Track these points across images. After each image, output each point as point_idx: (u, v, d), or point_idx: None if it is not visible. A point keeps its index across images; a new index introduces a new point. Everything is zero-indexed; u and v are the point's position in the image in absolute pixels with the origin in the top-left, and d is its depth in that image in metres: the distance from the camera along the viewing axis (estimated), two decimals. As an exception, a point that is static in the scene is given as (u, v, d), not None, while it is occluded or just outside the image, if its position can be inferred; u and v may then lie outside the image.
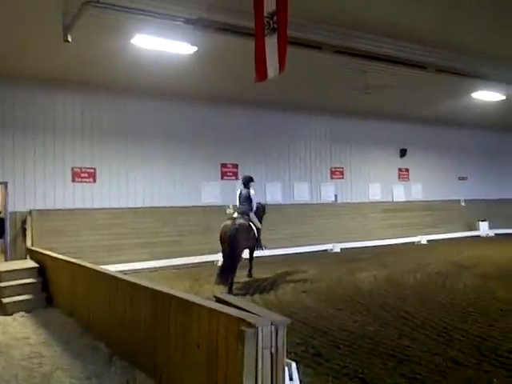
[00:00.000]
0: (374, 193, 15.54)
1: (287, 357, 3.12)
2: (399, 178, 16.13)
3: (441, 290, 7.73)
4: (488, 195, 17.88)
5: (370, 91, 10.90)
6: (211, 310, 3.34)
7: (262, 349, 2.85)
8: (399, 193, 16.02)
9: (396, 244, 14.61)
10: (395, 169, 16.09)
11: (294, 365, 3.29)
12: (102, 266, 6.63)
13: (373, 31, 8.11)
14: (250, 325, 2.86)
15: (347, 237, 14.10)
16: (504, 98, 11.98)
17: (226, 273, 7.94)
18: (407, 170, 16.26)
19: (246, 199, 8.82)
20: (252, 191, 8.93)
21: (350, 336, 5.27)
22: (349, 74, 10.30)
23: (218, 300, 4.18)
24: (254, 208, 8.94)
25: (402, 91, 11.99)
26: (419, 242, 15.11)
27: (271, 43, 5.62)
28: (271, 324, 2.90)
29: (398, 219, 15.55)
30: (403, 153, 16.00)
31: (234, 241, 7.99)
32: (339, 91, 12.02)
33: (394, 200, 15.93)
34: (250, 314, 3.10)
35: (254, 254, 9.49)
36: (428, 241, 15.25)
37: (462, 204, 17.41)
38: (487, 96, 12.04)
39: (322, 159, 14.61)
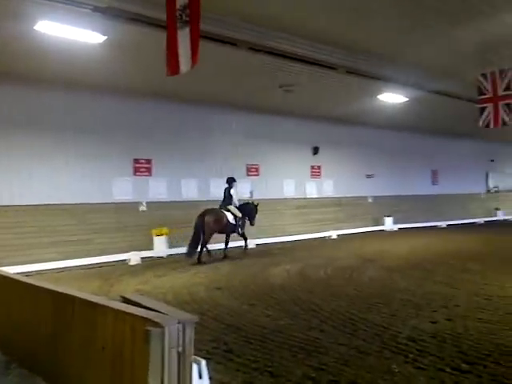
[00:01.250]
0: (288, 189, 15.92)
1: (197, 355, 3.07)
2: (312, 175, 16.66)
3: (348, 283, 8.09)
4: (393, 192, 19.03)
5: (285, 89, 11.15)
6: (117, 311, 3.21)
7: (169, 348, 2.77)
8: (312, 189, 16.55)
9: (309, 239, 15.11)
10: (308, 166, 16.60)
11: (203, 362, 3.24)
12: (2, 268, 6.16)
13: (288, 31, 8.28)
14: (156, 324, 2.77)
15: (262, 233, 14.33)
16: (407, 99, 12.77)
17: (190, 248, 10.55)
18: (319, 168, 16.83)
19: (228, 195, 11.31)
20: (232, 189, 11.32)
21: (262, 331, 5.34)
22: (264, 72, 10.44)
23: (125, 300, 4.03)
24: (236, 202, 11.32)
25: (314, 91, 12.38)
26: (330, 236, 15.74)
27: (183, 36, 5.52)
28: (178, 323, 2.83)
29: (310, 215, 16.10)
30: (316, 150, 16.54)
31: (201, 223, 10.54)
32: (255, 88, 12.15)
33: (307, 196, 16.43)
34: (157, 314, 3.01)
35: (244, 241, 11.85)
36: (338, 235, 15.94)
37: (369, 200, 18.38)
38: (391, 98, 12.77)
39: (238, 156, 14.67)
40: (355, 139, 17.83)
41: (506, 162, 25.49)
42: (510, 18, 7.68)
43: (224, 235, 11.48)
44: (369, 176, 18.38)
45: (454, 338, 4.84)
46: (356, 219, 17.43)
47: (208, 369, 3.26)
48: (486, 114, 10.52)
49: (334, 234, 15.87)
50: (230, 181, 11.52)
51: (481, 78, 10.48)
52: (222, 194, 11.54)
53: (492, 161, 24.35)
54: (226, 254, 11.40)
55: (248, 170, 14.97)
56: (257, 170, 15.13)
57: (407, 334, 5.04)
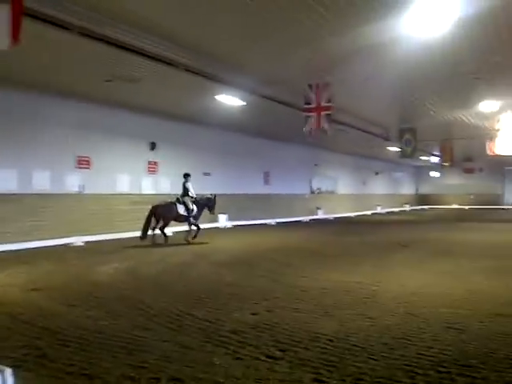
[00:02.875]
0: (123, 184, 15.34)
1: (3, 363, 2.75)
2: (148, 170, 16.33)
3: (178, 279, 8.10)
4: (228, 190, 19.69)
5: (123, 81, 10.71)
6: None
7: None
8: (148, 185, 16.21)
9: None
10: (145, 161, 16.22)
11: (8, 371, 2.92)
12: None
13: (130, 23, 7.94)
14: None
15: (93, 229, 13.59)
16: (244, 103, 13.28)
17: (144, 233, 12.75)
18: (156, 163, 16.58)
19: (184, 189, 13.35)
20: (188, 183, 13.41)
21: (81, 333, 5.01)
22: (101, 62, 9.89)
23: None
24: (193, 193, 13.42)
25: (154, 86, 12.15)
26: (166, 233, 15.55)
27: (3, 12, 4.92)
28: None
29: (145, 211, 15.64)
30: (153, 146, 16.25)
31: (153, 212, 12.89)
32: (88, 78, 11.44)
33: (142, 192, 16.04)
34: None
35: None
36: (173, 232, 15.84)
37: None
38: (229, 100, 13.17)
39: (67, 147, 13.65)
40: (194, 137, 18.01)
41: (327, 167, 28.37)
42: (335, 40, 8.51)
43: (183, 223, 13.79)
44: (206, 174, 18.72)
45: (271, 327, 5.16)
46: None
47: (15, 377, 2.95)
48: (310, 122, 11.51)
49: (168, 231, 15.73)
50: (186, 176, 13.50)
51: (307, 89, 11.43)
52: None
53: (316, 165, 26.88)
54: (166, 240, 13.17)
55: (78, 162, 14.01)
56: (88, 162, 14.25)
57: (230, 326, 5.22)
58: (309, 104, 11.42)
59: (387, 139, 19.83)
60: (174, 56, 9.39)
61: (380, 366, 4.06)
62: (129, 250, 11.84)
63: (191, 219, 13.41)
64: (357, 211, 30.16)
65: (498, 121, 17.61)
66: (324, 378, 3.80)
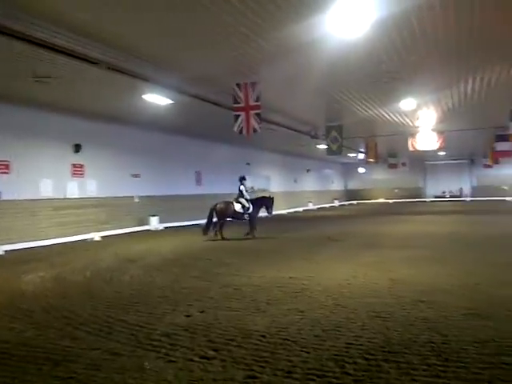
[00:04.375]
0: (46, 189, 14.56)
1: None
2: (73, 173, 15.63)
3: (108, 285, 7.83)
4: (159, 192, 19.34)
5: (39, 80, 10.16)
6: None
7: None
8: (73, 189, 15.53)
9: (68, 242, 14.13)
10: (69, 164, 15.49)
11: None
12: None
13: (50, 20, 7.52)
14: None
15: (14, 237, 12.83)
16: (172, 102, 13.06)
17: (206, 228, 14.13)
18: (82, 166, 15.92)
19: (239, 190, 14.49)
20: (242, 186, 14.50)
21: (3, 346, 4.73)
22: (14, 59, 9.32)
23: None
24: (246, 195, 14.50)
25: (74, 85, 11.63)
26: (93, 238, 15.05)
27: None
28: None
29: (71, 216, 15.09)
30: (78, 148, 15.58)
31: (213, 209, 14.28)
32: (2, 78, 10.75)
33: (68, 196, 15.32)
34: None
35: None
36: (102, 237, 15.36)
37: (136, 200, 18.28)
38: (156, 99, 12.90)
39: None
40: (121, 138, 17.50)
41: (259, 165, 28.65)
42: (260, 39, 8.58)
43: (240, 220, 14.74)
44: (135, 176, 18.26)
45: (204, 328, 5.13)
46: (121, 220, 17.10)
47: None
48: (239, 121, 11.55)
49: (97, 235, 15.22)
50: (241, 179, 14.71)
51: (236, 88, 11.46)
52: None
53: (248, 164, 27.06)
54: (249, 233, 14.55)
55: (-4, 166, 13.15)
56: (7, 166, 13.39)
57: (162, 330, 5.13)
58: (238, 103, 11.46)
59: (315, 137, 20.34)
60: (96, 54, 9.05)
61: (311, 358, 4.16)
62: (55, 258, 11.27)
63: (246, 217, 14.48)
64: (289, 208, 30.71)
65: (418, 118, 18.62)
66: (257, 374, 3.84)
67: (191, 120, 17.02)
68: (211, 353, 4.35)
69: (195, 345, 4.59)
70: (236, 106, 11.49)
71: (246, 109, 11.39)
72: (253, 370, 3.91)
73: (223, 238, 14.11)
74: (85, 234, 15.00)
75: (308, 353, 4.30)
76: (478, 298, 6.16)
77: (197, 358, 4.23)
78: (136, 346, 4.64)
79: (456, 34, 8.58)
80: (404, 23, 7.90)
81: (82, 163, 15.88)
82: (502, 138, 20.83)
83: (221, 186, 23.96)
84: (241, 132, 11.63)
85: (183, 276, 8.40)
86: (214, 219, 14.37)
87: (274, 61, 9.95)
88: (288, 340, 4.64)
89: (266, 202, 15.06)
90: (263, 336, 4.78)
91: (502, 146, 22.18)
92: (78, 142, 15.58)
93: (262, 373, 3.86)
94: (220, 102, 12.84)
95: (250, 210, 14.49)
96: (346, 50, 9.17)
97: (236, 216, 14.48)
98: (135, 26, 8.06)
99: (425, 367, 3.90)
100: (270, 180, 30.05)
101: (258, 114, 11.37)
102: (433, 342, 4.47)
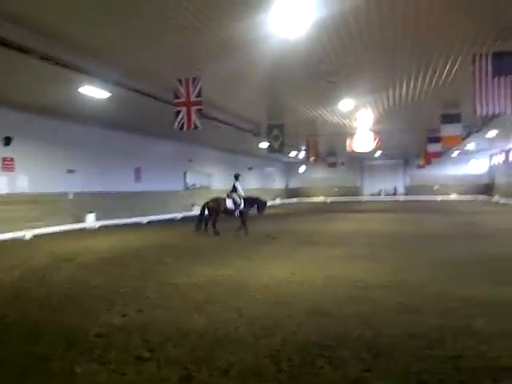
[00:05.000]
0: (-28, 184, 13.68)
1: None
2: (3, 168, 14.78)
3: (39, 285, 7.47)
4: (95, 188, 18.70)
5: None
6: None
7: None
8: (2, 184, 14.68)
9: (-3, 240, 13.38)
10: (-1, 158, 14.65)
11: None
12: None
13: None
14: None
15: None
16: (110, 95, 12.63)
17: (198, 224, 14.40)
18: (12, 160, 15.07)
19: (233, 187, 14.95)
20: (237, 182, 15.00)
21: None
22: None
23: None
24: (240, 192, 14.99)
25: (4, 74, 10.99)
26: (24, 236, 14.31)
27: None
28: None
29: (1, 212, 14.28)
30: (8, 141, 14.73)
31: (205, 205, 14.66)
32: None
33: (-4, 192, 14.49)
34: None
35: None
36: (34, 235, 14.65)
37: (70, 197, 17.56)
38: (94, 92, 12.45)
39: None
40: (56, 132, 16.74)
41: (202, 162, 28.42)
42: (202, 35, 8.48)
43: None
44: (70, 171, 17.54)
45: (140, 328, 5.02)
46: (55, 217, 16.36)
47: None
48: (180, 117, 11.37)
49: (28, 233, 14.49)
50: (236, 176, 15.39)
51: (177, 83, 11.27)
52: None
53: (190, 161, 26.79)
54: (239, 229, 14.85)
55: None
56: None
57: (96, 331, 4.97)
58: (179, 98, 11.28)
59: (257, 135, 20.45)
60: (29, 43, 8.59)
61: (248, 356, 4.17)
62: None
63: (236, 213, 14.89)
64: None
65: (356, 119, 19.17)
66: (193, 374, 3.80)
67: (131, 115, 16.58)
68: (146, 354, 4.26)
69: (130, 345, 4.48)
70: (177, 101, 11.32)
71: (188, 104, 11.24)
72: (188, 370, 3.87)
73: (216, 233, 14.39)
74: (14, 231, 14.21)
75: (245, 351, 4.31)
76: (409, 293, 6.45)
77: (131, 359, 4.13)
78: (67, 348, 4.46)
79: (391, 37, 8.91)
80: (342, 24, 8.08)
81: (12, 157, 15.04)
82: (434, 139, 21.82)
83: (161, 183, 23.60)
84: (181, 128, 11.45)
85: (120, 275, 8.17)
86: (206, 214, 14.73)
87: (216, 57, 9.91)
88: (225, 339, 4.64)
89: (259, 203, 15.44)
90: (200, 335, 4.74)
91: (433, 148, 23.28)
92: (8, 135, 14.73)
93: (198, 373, 3.83)
94: (161, 96, 12.59)
95: (241, 206, 14.86)
96: (287, 48, 9.28)
97: (227, 212, 14.87)
98: (71, 14, 7.73)
99: (357, 362, 4.02)
100: (212, 177, 29.89)
101: (199, 110, 11.25)
102: (365, 337, 4.62)
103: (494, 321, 5.06)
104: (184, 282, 7.42)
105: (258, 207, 15.41)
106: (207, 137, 21.69)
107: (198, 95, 11.10)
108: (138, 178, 22.12)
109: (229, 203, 14.77)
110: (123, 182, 20.80)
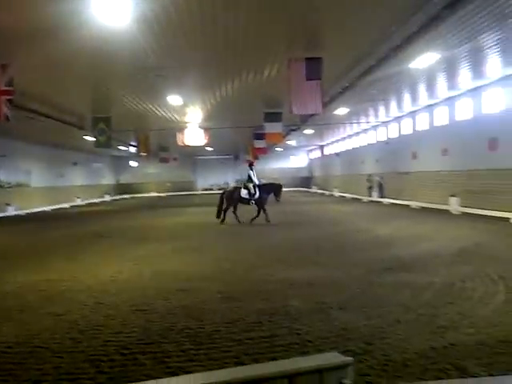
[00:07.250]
0: None
1: None
2: None
3: None
4: None
5: None
6: None
7: None
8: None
9: None
10: None
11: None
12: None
13: None
14: None
15: None
16: None
17: (218, 213, 15.36)
18: None
19: (248, 175, 15.58)
20: (251, 172, 15.48)
21: None
22: None
23: None
24: (256, 180, 15.42)
25: None
26: None
27: None
28: None
29: None
30: None
31: (222, 195, 15.59)
32: None
33: None
34: None
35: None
36: None
37: None
38: None
39: None
40: None
41: (18, 158, 25.66)
42: (14, 19, 7.62)
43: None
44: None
45: None
46: None
47: None
48: (-13, 106, 10.11)
49: None
50: (250, 165, 15.76)
51: (-18, 69, 9.98)
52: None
53: (4, 156, 23.99)
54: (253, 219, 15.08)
55: None
56: None
57: None
58: (-14, 87, 10.01)
59: (82, 128, 19.24)
60: None
61: (64, 363, 3.95)
62: None
63: (252, 202, 15.13)
64: (54, 204, 28.42)
65: (186, 114, 19.34)
66: (-1, 390, 3.45)
67: None
68: None
69: None
70: (-17, 89, 10.03)
71: (-3, 93, 10.05)
72: (-5, 386, 3.51)
73: (222, 221, 15.03)
74: None
75: (62, 357, 4.06)
76: (231, 281, 6.77)
77: None
78: None
79: (213, 39, 9.18)
80: (164, 20, 8.04)
81: None
82: (259, 136, 23.18)
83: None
84: (-10, 119, 10.20)
85: None
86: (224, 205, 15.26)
87: (30, 43, 9.03)
88: (40, 347, 4.30)
89: (275, 189, 15.49)
90: (9, 347, 4.31)
91: (259, 144, 24.77)
92: None
93: (5, 387, 3.49)
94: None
95: (257, 195, 15.10)
96: (109, 38, 8.88)
97: (242, 201, 15.31)
98: None
99: (179, 353, 4.08)
100: (31, 174, 27.21)
101: (10, 100, 10.14)
102: (189, 328, 4.72)
103: (305, 300, 5.60)
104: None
105: (275, 194, 15.44)
106: (24, 129, 19.69)
107: (10, 84, 10.00)
108: None
109: (243, 193, 15.18)
110: None
